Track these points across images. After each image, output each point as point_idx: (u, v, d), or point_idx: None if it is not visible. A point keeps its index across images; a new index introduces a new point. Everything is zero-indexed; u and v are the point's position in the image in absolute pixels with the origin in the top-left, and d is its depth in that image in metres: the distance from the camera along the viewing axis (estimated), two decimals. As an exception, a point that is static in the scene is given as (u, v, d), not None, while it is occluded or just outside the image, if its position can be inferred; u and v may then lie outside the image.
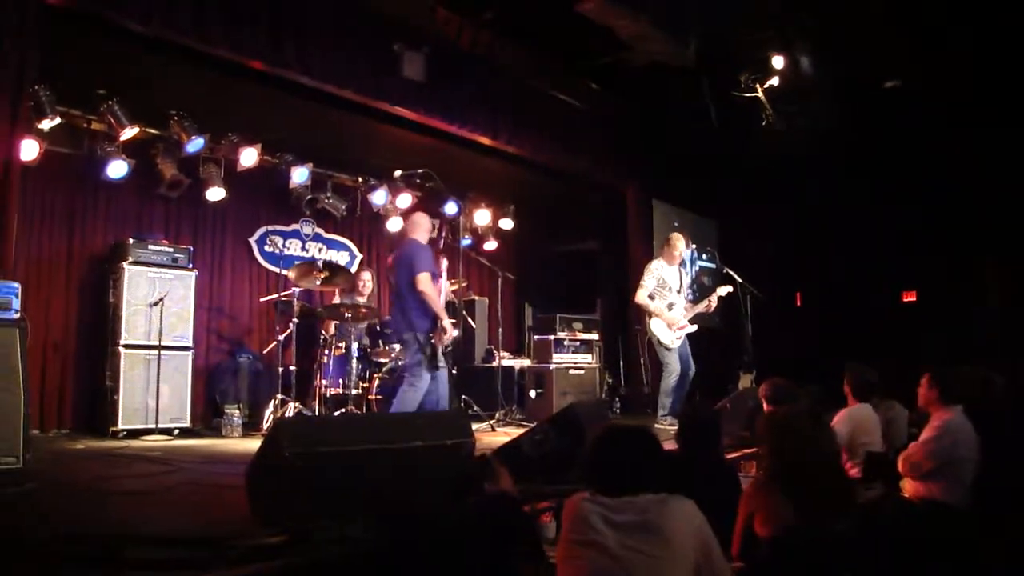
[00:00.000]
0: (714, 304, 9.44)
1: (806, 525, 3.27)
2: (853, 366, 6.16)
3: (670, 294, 9.22)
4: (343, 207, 10.96)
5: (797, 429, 3.59)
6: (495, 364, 10.47)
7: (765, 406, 5.81)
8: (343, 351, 8.98)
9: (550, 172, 11.62)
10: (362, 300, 9.70)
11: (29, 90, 6.53)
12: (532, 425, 6.58)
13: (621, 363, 12.29)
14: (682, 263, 9.61)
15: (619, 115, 11.79)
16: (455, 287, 10.16)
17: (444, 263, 8.07)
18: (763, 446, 3.72)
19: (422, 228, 7.55)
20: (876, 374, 6.17)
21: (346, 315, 8.89)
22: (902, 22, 9.06)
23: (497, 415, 9.71)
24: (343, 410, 8.60)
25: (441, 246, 12.17)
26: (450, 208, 11.71)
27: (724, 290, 9.65)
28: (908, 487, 5.14)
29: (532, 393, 10.62)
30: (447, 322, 7.11)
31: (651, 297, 9.17)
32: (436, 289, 7.23)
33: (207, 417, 9.29)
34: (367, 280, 10.00)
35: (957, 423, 5.01)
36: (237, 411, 8.61)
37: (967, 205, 11.07)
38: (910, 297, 12.35)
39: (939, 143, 10.91)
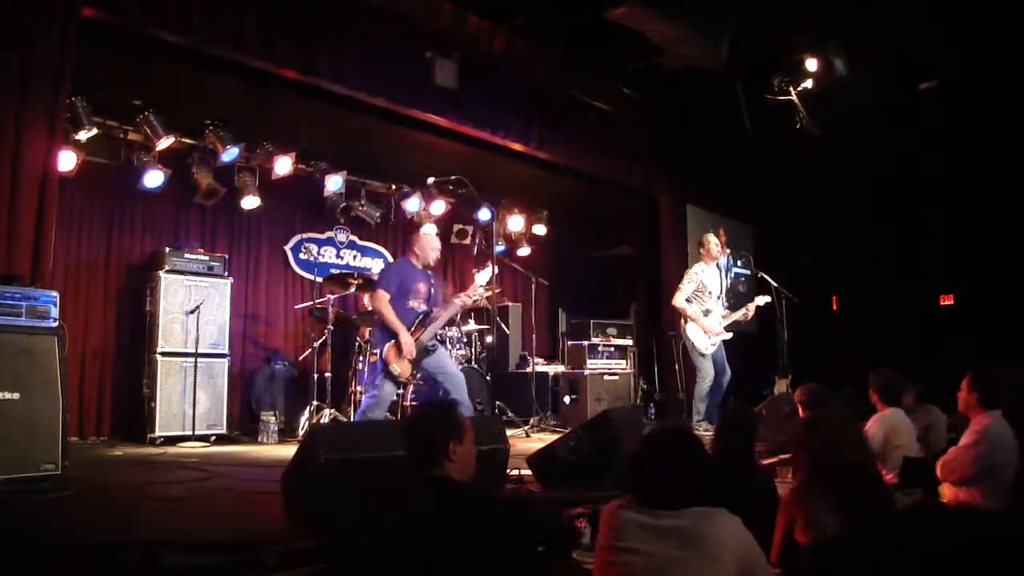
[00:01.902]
0: (751, 313, 9.42)
1: (846, 531, 3.23)
2: (876, 372, 6.08)
3: (708, 299, 9.20)
4: (377, 214, 11.02)
5: (830, 432, 3.55)
6: (529, 370, 10.44)
7: (801, 411, 5.76)
8: (376, 358, 9.00)
9: (583, 177, 11.59)
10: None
11: (66, 101, 6.60)
12: (566, 431, 6.56)
13: (656, 368, 12.24)
14: (719, 266, 9.56)
15: (652, 120, 11.74)
16: (489, 293, 10.14)
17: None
18: (798, 452, 3.67)
19: (411, 245, 7.45)
20: (901, 377, 6.09)
21: (377, 321, 8.90)
22: (938, 21, 8.96)
23: (531, 421, 9.67)
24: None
25: (475, 252, 12.23)
26: (483, 214, 11.71)
27: (762, 300, 9.60)
28: (947, 492, 5.07)
29: (566, 399, 10.61)
30: (404, 337, 7.00)
31: (688, 301, 9.15)
32: (406, 304, 7.13)
33: (243, 423, 9.33)
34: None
35: (997, 428, 4.94)
36: (273, 417, 8.64)
37: (1005, 205, 10.92)
38: (948, 300, 12.20)
39: (976, 143, 10.78)
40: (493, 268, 8.19)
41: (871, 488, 3.48)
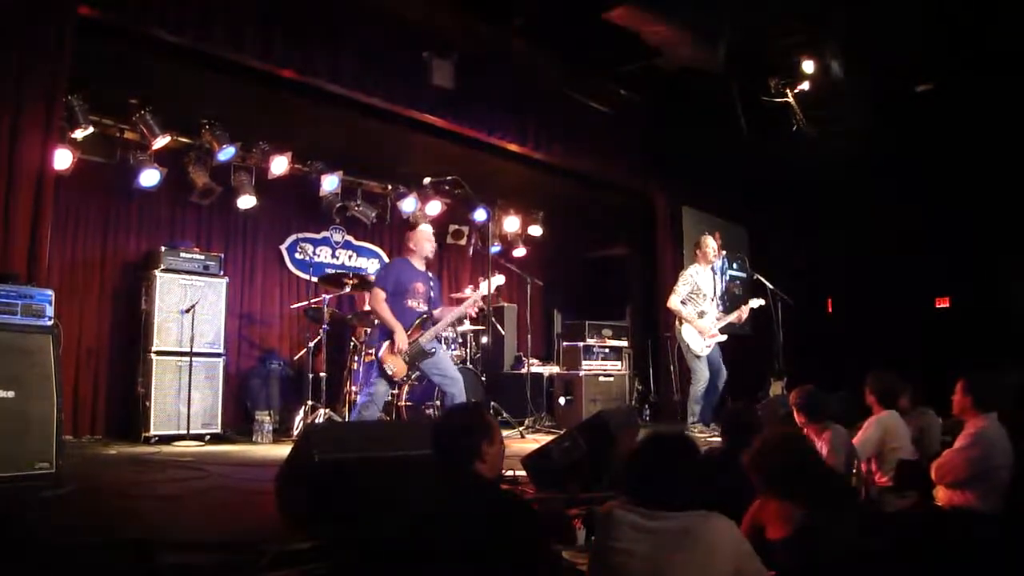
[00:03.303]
0: (745, 315, 9.44)
1: (813, 524, 3.24)
2: (875, 374, 6.08)
3: (703, 301, 9.21)
4: (373, 214, 11.01)
5: (773, 443, 3.59)
6: (524, 371, 10.45)
7: (796, 414, 5.76)
8: (373, 357, 9.01)
9: (579, 178, 11.60)
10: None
11: (62, 100, 6.60)
12: (561, 432, 6.55)
13: (651, 370, 12.25)
14: (714, 268, 9.58)
15: (649, 121, 11.74)
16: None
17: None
18: (752, 472, 3.68)
19: (408, 242, 7.43)
20: (899, 380, 6.10)
21: (375, 321, 8.91)
22: (935, 23, 8.96)
23: (526, 422, 9.67)
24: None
25: (470, 253, 12.22)
26: (479, 215, 11.71)
27: (756, 302, 9.62)
28: (941, 495, 5.08)
29: (561, 400, 10.60)
30: (399, 335, 7.02)
31: (683, 303, 9.16)
32: (402, 304, 7.13)
33: (238, 423, 9.30)
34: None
35: (991, 431, 4.95)
36: (268, 417, 8.64)
37: (1001, 208, 10.93)
38: (943, 303, 12.21)
39: (973, 146, 10.79)
40: (489, 275, 8.14)
41: (826, 482, 3.51)
